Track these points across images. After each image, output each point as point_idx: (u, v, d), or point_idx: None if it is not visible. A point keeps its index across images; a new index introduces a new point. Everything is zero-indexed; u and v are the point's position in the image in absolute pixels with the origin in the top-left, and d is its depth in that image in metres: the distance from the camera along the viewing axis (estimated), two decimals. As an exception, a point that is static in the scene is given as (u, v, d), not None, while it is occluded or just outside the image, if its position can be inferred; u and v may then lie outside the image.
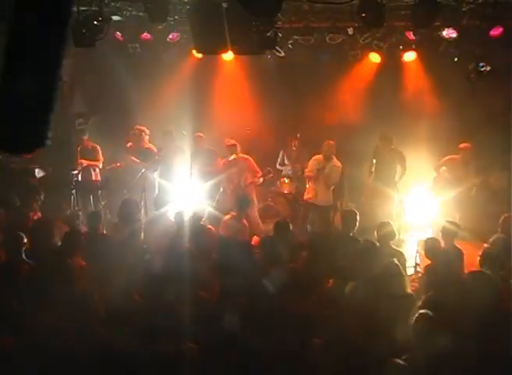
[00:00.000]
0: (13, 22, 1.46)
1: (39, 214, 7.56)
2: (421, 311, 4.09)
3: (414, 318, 4.01)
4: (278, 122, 10.26)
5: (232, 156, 9.52)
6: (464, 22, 8.29)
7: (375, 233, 6.24)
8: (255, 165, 9.19)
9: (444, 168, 8.80)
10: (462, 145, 8.72)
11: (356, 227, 6.58)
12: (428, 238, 6.47)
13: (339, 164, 8.79)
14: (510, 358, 3.81)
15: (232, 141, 9.19)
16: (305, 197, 8.92)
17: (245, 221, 7.49)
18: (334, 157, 8.79)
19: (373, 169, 9.14)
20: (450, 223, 6.62)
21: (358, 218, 6.59)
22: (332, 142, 8.82)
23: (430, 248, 5.92)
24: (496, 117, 8.80)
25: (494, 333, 4.01)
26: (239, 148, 9.12)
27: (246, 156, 9.19)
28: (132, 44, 10.07)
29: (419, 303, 4.49)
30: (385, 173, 8.88)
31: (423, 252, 7.22)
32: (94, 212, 7.29)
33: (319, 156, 8.83)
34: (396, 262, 5.16)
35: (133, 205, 7.15)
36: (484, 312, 4.20)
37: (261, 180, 9.26)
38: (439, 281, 5.07)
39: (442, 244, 6.10)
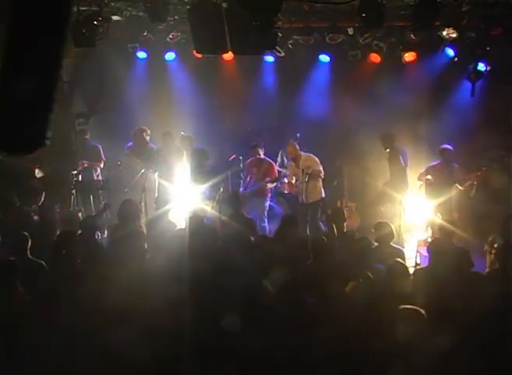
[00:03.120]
0: (13, 22, 1.46)
1: (38, 214, 7.57)
2: (411, 306, 4.11)
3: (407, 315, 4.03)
4: (278, 122, 10.26)
5: (233, 156, 9.54)
6: (464, 22, 8.29)
7: (373, 234, 6.27)
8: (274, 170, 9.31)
9: (429, 176, 8.79)
10: (441, 148, 8.73)
11: (345, 223, 6.81)
12: (434, 239, 6.50)
13: (308, 156, 8.86)
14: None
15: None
16: (300, 199, 8.92)
17: (246, 216, 7.49)
18: (302, 153, 8.91)
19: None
20: (449, 222, 6.63)
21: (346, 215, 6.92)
22: (290, 142, 9.00)
23: (434, 248, 5.93)
24: (496, 117, 8.79)
25: (495, 333, 4.01)
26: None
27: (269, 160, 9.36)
28: (132, 44, 10.07)
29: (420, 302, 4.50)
30: (398, 178, 8.91)
31: (423, 252, 7.26)
32: (91, 217, 7.30)
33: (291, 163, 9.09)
34: (402, 261, 5.18)
35: (133, 205, 7.15)
36: (485, 311, 4.20)
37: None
38: (441, 280, 5.08)
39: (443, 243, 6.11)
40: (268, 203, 9.24)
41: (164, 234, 6.68)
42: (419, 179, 8.96)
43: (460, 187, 8.57)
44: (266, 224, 9.04)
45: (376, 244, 6.12)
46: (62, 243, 5.90)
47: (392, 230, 6.32)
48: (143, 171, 9.02)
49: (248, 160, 9.40)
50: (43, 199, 7.94)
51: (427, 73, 9.71)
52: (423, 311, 4.04)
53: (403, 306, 4.14)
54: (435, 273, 5.39)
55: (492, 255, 6.02)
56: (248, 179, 9.31)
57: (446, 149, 8.70)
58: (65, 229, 6.58)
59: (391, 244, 6.28)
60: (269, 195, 9.32)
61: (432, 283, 5.16)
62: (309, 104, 10.25)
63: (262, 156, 9.26)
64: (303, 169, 8.65)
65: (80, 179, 9.43)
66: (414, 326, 3.96)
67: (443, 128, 9.09)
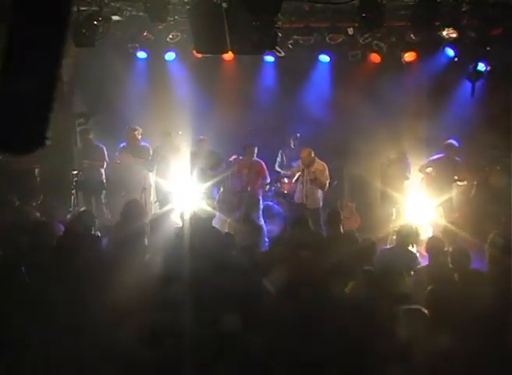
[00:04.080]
0: (13, 22, 1.46)
1: (38, 214, 7.58)
2: (415, 307, 4.11)
3: (411, 315, 4.04)
4: (278, 122, 10.26)
5: (233, 157, 9.53)
6: (464, 22, 8.29)
7: (395, 237, 6.26)
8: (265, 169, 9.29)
9: (430, 169, 8.80)
10: (446, 143, 8.75)
11: (341, 225, 6.76)
12: (430, 237, 6.49)
13: (322, 166, 8.82)
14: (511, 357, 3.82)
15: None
16: (297, 200, 8.94)
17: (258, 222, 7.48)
18: (316, 160, 8.81)
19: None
20: (451, 222, 6.63)
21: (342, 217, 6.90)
22: (307, 149, 8.87)
23: (432, 247, 5.92)
24: (496, 117, 8.79)
25: (494, 332, 4.01)
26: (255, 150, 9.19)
27: (259, 160, 9.30)
28: (132, 44, 10.07)
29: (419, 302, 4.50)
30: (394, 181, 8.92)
31: (423, 252, 7.25)
32: (85, 212, 7.28)
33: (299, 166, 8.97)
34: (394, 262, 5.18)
35: (138, 205, 7.13)
36: (485, 310, 4.20)
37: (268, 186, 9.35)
38: (440, 280, 5.08)
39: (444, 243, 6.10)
40: (261, 202, 9.22)
41: (164, 234, 6.68)
42: (420, 171, 8.98)
43: (460, 184, 8.59)
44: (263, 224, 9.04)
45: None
46: (63, 243, 5.91)
47: (415, 231, 6.29)
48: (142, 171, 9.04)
49: (238, 160, 9.34)
50: (42, 199, 7.95)
51: (427, 73, 9.71)
52: (425, 310, 4.04)
53: (406, 306, 4.13)
54: (434, 272, 5.39)
55: (489, 254, 6.00)
56: (237, 179, 9.27)
57: (451, 144, 8.71)
58: (65, 229, 6.57)
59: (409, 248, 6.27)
60: (261, 193, 9.29)
61: (431, 283, 5.15)
62: (309, 104, 10.25)
63: (254, 157, 9.20)
64: (310, 178, 8.67)
65: (81, 179, 9.42)
66: (416, 325, 3.96)
67: (443, 128, 9.10)
